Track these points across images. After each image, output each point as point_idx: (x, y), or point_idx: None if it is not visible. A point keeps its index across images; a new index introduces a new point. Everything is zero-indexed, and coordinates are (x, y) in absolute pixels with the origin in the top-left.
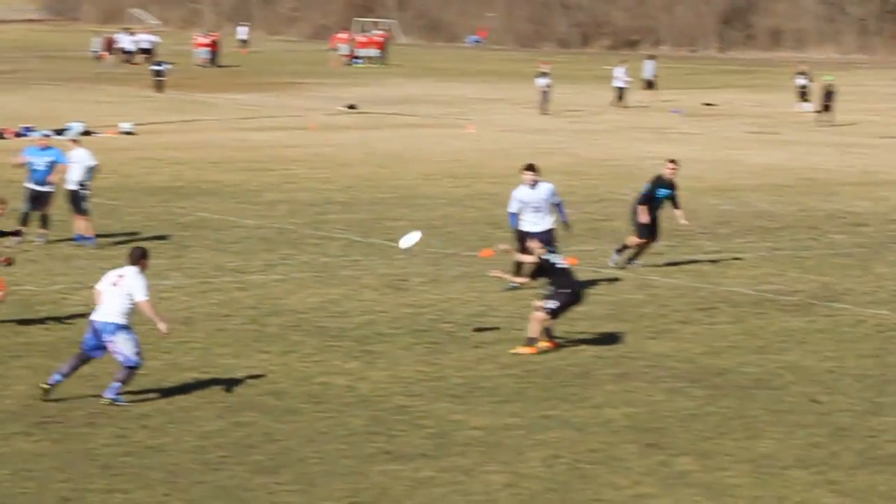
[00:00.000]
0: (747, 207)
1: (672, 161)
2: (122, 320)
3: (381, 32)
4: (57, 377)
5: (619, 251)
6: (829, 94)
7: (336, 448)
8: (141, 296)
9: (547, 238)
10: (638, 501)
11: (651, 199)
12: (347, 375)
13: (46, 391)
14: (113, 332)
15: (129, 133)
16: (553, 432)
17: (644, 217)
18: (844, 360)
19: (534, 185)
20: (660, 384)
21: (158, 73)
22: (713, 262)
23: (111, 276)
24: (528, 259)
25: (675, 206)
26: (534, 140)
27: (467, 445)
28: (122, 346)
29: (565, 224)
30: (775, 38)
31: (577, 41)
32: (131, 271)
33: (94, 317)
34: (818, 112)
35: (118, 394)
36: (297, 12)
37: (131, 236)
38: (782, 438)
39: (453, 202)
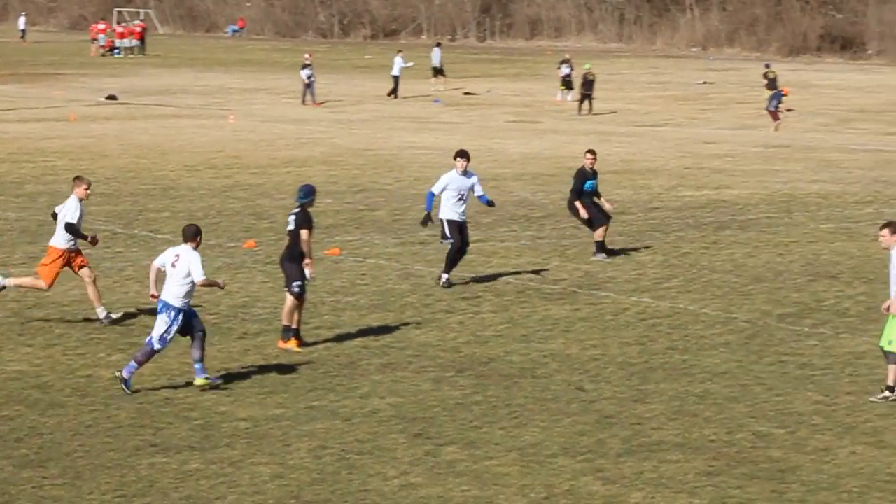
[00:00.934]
0: (509, 196)
1: (590, 151)
2: (176, 302)
3: (140, 22)
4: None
5: (598, 250)
6: (588, 83)
7: (102, 441)
8: (199, 276)
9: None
10: (406, 491)
11: (581, 193)
12: (113, 368)
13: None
14: (161, 310)
15: None
16: (320, 423)
17: (583, 213)
18: (608, 348)
19: (465, 172)
20: (426, 374)
21: None
22: (477, 251)
23: (169, 255)
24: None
25: (597, 194)
26: (294, 130)
27: (234, 437)
28: (156, 325)
29: (490, 203)
30: (534, 27)
31: (337, 31)
32: (186, 249)
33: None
34: (578, 101)
35: (131, 374)
36: (54, 2)
37: None
38: (548, 427)
39: (215, 193)
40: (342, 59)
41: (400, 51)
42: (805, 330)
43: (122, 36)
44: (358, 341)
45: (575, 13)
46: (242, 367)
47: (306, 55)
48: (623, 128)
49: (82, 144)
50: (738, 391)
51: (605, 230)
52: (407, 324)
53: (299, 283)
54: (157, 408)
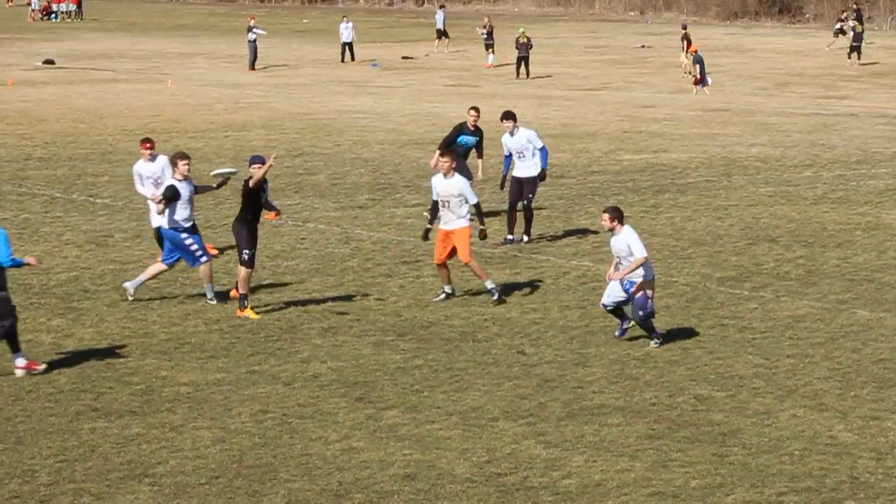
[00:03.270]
0: None
1: (473, 108)
2: (638, 276)
3: None
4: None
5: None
6: (522, 47)
7: (43, 406)
8: (641, 251)
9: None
10: (347, 455)
11: (450, 144)
12: (53, 332)
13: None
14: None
15: None
16: (261, 387)
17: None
18: (549, 312)
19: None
20: (366, 338)
21: None
22: (416, 215)
23: (619, 247)
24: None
25: (479, 154)
26: (233, 94)
27: (175, 401)
28: (638, 302)
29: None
30: None
31: None
32: (624, 231)
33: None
34: (515, 65)
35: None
36: None
37: None
38: (490, 390)
39: None
40: (280, 22)
41: (345, 16)
42: (745, 293)
43: (59, 1)
44: (299, 306)
45: None
46: (183, 332)
47: (252, 19)
48: (561, 91)
49: (20, 109)
50: (679, 354)
51: None
52: (347, 288)
53: (248, 251)
54: (99, 372)
